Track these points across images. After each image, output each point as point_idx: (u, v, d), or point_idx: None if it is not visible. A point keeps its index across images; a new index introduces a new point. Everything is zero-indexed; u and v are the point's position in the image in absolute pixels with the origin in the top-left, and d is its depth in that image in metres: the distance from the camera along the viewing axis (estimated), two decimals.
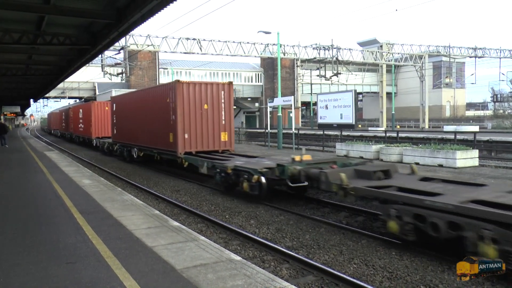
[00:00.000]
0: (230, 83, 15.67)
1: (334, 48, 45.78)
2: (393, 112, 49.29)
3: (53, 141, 41.78)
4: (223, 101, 15.14)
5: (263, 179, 10.10)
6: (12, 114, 53.79)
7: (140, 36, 39.00)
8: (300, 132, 32.03)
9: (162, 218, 7.21)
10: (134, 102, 19.28)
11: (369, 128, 44.69)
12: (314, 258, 6.63)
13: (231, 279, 4.37)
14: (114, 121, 22.52)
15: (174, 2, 9.68)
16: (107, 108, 26.94)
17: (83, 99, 51.08)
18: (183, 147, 14.47)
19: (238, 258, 5.14)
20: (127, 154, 20.24)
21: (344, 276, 5.72)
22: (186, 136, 14.46)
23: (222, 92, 15.14)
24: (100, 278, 4.45)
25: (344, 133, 29.31)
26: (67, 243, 5.68)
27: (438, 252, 6.57)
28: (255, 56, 46.62)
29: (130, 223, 6.70)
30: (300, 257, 6.48)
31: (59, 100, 62.36)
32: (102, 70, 40.72)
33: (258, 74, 58.01)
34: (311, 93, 52.06)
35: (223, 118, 15.15)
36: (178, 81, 14.64)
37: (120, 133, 21.51)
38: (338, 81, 48.02)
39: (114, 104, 22.61)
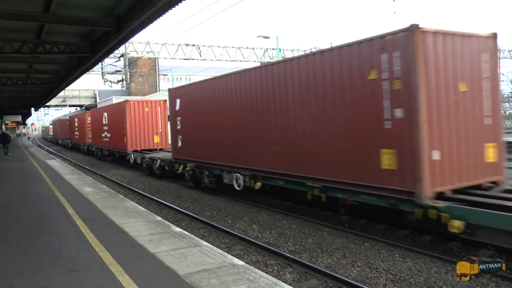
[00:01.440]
0: (494, 36, 7.86)
1: None
2: None
3: (58, 150, 41.80)
4: (485, 76, 7.60)
5: None
6: (14, 123, 53.96)
7: (140, 43, 39.24)
8: None
9: (164, 224, 7.21)
10: (233, 91, 11.55)
11: None
12: (317, 261, 6.63)
13: (234, 283, 4.37)
14: (178, 127, 15.20)
15: (173, 8, 9.74)
16: (147, 109, 21.33)
17: (83, 107, 51.23)
18: (430, 183, 6.63)
19: (241, 263, 5.13)
20: (210, 181, 12.96)
21: (348, 279, 5.72)
22: (435, 156, 6.75)
23: (484, 55, 7.61)
24: (103, 285, 4.46)
25: None
26: (70, 251, 5.69)
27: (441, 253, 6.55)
28: (255, 61, 46.67)
29: (133, 230, 6.71)
30: (303, 261, 6.48)
31: (60, 108, 62.58)
32: (103, 78, 40.90)
33: None
34: None
35: (486, 113, 7.57)
36: (417, 26, 6.63)
37: (193, 146, 14.16)
38: None
39: (178, 100, 15.11)
